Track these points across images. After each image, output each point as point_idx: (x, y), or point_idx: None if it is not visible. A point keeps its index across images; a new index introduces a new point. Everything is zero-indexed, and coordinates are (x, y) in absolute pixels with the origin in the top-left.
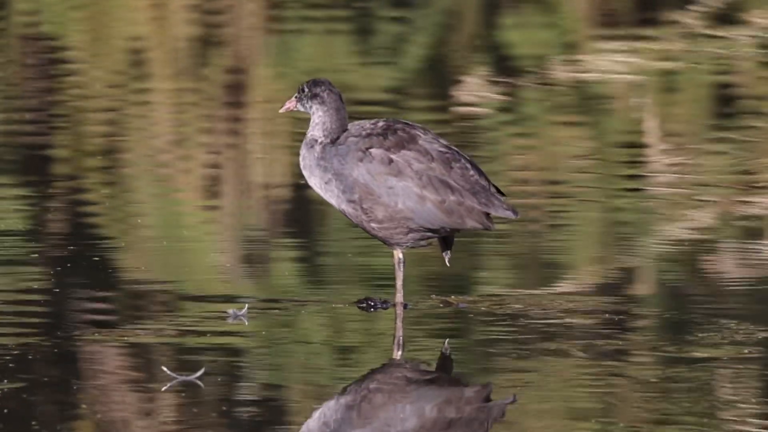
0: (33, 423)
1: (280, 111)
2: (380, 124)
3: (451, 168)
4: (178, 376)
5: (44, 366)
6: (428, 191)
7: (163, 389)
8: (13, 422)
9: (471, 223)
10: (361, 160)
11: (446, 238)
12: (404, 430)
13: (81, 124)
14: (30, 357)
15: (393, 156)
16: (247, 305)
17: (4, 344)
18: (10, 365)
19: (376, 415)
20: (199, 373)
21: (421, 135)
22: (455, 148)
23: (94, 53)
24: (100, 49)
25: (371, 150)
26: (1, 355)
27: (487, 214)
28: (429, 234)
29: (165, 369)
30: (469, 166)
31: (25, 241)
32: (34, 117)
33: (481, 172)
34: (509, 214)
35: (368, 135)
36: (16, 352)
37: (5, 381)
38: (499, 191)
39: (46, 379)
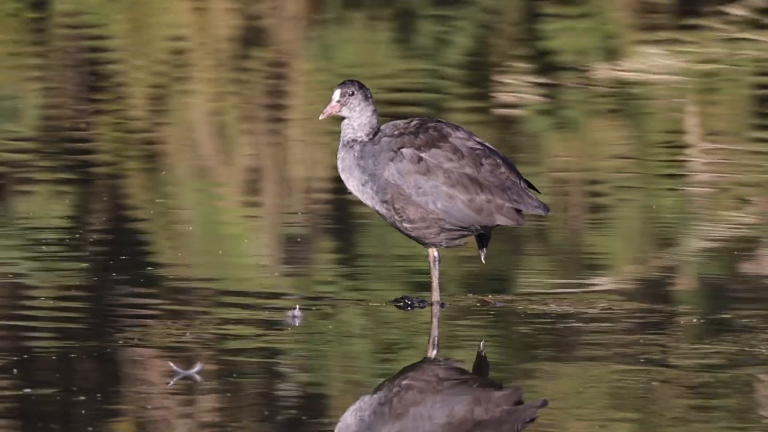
0: (72, 424)
1: (321, 118)
2: (413, 123)
3: (481, 165)
4: (181, 371)
5: (83, 366)
6: (457, 189)
7: (169, 384)
8: (53, 423)
9: (501, 220)
10: (392, 160)
11: (482, 236)
12: (432, 427)
13: (122, 120)
14: (69, 357)
15: (423, 154)
16: (297, 306)
17: (43, 344)
18: (49, 365)
19: (407, 412)
20: (197, 368)
21: (452, 132)
22: (488, 145)
23: (135, 52)
24: (142, 47)
25: (402, 150)
26: (39, 353)
27: (518, 211)
28: (462, 233)
29: (171, 365)
30: (500, 161)
31: (65, 237)
32: (80, 121)
33: (512, 168)
34: (540, 211)
35: (400, 134)
36: (55, 351)
37: (27, 390)
38: (532, 187)
39: (84, 379)
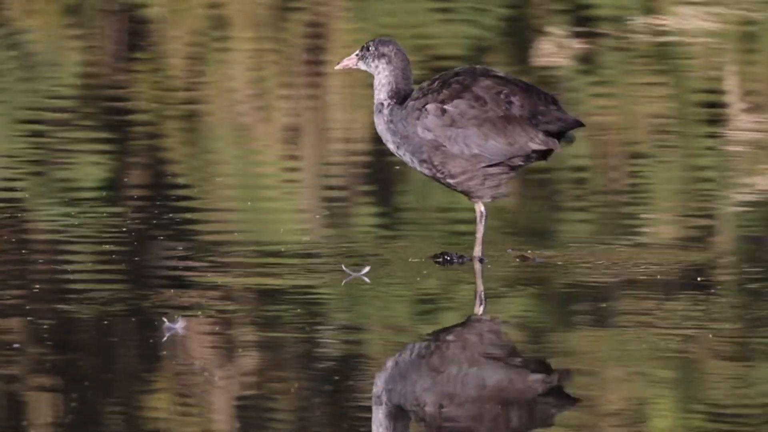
0: (110, 391)
1: (336, 68)
2: (436, 82)
3: (510, 103)
4: (172, 326)
5: (121, 328)
6: (487, 128)
7: (162, 340)
8: (89, 388)
9: (536, 146)
10: (418, 119)
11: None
12: (464, 390)
13: (161, 78)
14: (107, 317)
15: (446, 106)
16: (368, 267)
17: (82, 305)
18: (87, 327)
19: (444, 367)
20: (180, 324)
21: (477, 82)
22: (514, 78)
23: (174, 10)
24: (181, 6)
25: (426, 106)
26: (77, 313)
27: (552, 135)
28: (505, 176)
29: (165, 320)
30: (530, 92)
31: (104, 196)
32: (119, 80)
33: (542, 93)
34: (577, 126)
35: (424, 95)
36: (93, 313)
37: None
38: (557, 105)
39: (122, 342)
